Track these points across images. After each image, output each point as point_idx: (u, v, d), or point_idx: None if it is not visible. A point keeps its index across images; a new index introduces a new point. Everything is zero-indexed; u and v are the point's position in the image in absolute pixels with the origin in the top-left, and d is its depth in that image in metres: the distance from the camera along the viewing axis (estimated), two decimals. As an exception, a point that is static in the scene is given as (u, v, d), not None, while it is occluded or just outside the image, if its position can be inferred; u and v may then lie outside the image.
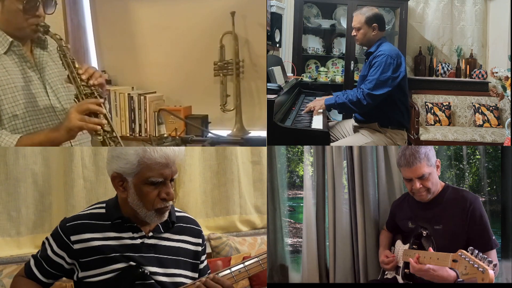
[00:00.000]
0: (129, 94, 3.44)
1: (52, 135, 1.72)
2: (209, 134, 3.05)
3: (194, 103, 3.43)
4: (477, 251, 1.55)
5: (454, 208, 1.87)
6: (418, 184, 1.87)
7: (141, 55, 3.55)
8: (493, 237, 1.83)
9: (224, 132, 3.27)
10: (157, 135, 2.17)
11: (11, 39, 1.82)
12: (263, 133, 2.54)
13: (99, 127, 1.69)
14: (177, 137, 2.77)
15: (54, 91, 1.90)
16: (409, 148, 1.89)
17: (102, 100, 1.74)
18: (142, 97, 3.41)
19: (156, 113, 3.34)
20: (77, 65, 1.78)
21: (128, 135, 3.46)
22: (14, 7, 1.77)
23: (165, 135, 2.50)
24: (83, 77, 1.75)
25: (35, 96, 1.84)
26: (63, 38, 1.82)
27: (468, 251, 1.56)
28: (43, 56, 1.92)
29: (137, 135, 3.46)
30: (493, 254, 1.83)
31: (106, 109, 1.76)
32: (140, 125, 3.44)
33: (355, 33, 2.94)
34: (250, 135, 3.30)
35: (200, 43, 3.38)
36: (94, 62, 3.66)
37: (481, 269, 1.48)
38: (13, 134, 1.75)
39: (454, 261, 1.59)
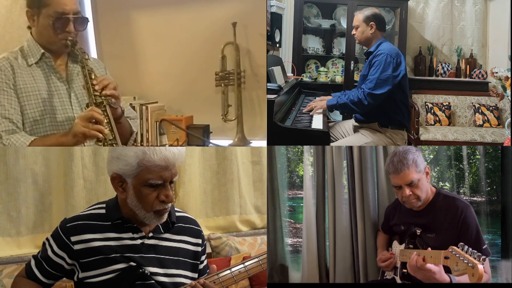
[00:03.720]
0: (130, 104, 3.42)
1: (61, 139, 1.84)
2: (211, 144, 3.06)
3: (196, 113, 3.42)
4: (467, 247, 1.55)
5: (446, 217, 1.86)
6: (407, 191, 1.85)
7: (143, 65, 3.55)
8: (485, 246, 1.81)
9: (225, 142, 3.27)
10: (158, 145, 2.18)
11: (42, 51, 1.95)
12: (265, 143, 2.54)
13: (100, 134, 1.74)
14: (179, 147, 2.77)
15: (79, 102, 2.01)
16: (397, 154, 1.86)
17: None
18: (143, 107, 3.39)
19: (157, 123, 3.32)
20: (93, 76, 1.86)
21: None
22: (46, 22, 1.90)
23: (167, 145, 2.50)
24: (96, 87, 1.82)
25: (59, 105, 1.97)
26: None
27: (458, 247, 1.56)
28: (75, 68, 2.04)
29: (139, 144, 3.45)
30: (485, 263, 1.77)
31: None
32: (141, 135, 3.43)
33: (354, 32, 2.96)
34: (251, 144, 3.30)
35: (201, 53, 3.37)
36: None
37: (471, 264, 1.49)
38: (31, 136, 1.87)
39: (446, 258, 1.59)
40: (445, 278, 1.66)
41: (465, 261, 1.50)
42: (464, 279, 1.61)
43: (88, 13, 3.57)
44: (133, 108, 3.41)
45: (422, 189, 1.87)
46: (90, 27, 3.60)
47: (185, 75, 3.45)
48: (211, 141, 3.18)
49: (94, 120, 1.74)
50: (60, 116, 1.96)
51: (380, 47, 2.81)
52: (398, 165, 1.84)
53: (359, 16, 2.92)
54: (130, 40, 3.54)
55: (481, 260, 1.49)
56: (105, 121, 1.78)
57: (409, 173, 1.83)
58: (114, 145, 1.78)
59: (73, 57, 2.04)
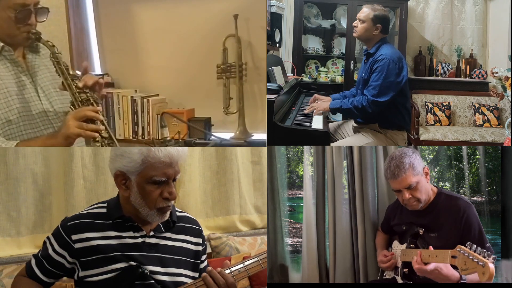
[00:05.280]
0: (132, 97, 3.44)
1: (49, 142, 1.73)
2: (212, 137, 3.06)
3: (197, 105, 3.43)
4: (475, 246, 1.54)
5: (448, 216, 1.86)
6: (407, 195, 1.85)
7: (144, 58, 3.55)
8: (488, 244, 1.81)
9: (227, 135, 3.26)
10: (160, 138, 2.16)
11: (1, 44, 1.81)
12: (266, 136, 2.55)
13: (97, 134, 1.70)
14: (180, 140, 2.78)
15: (46, 95, 1.89)
16: (393, 159, 1.87)
17: (99, 108, 1.74)
18: (145, 100, 3.40)
19: (159, 115, 3.32)
20: (71, 72, 1.77)
21: (131, 137, 3.46)
22: (5, 15, 1.76)
23: (168, 138, 2.50)
24: (79, 84, 1.75)
25: (28, 101, 1.84)
26: (62, 43, 1.82)
27: (466, 246, 1.56)
28: (35, 60, 1.91)
29: (140, 137, 3.45)
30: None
31: (103, 113, 1.76)
32: (143, 128, 3.44)
33: (356, 25, 2.84)
34: (253, 137, 3.30)
35: (203, 46, 3.37)
36: (97, 65, 3.67)
37: (481, 263, 1.47)
38: (8, 140, 1.75)
39: (453, 257, 1.58)
40: (453, 272, 1.65)
41: (475, 260, 1.49)
42: (472, 277, 1.61)
43: (89, 6, 3.58)
44: (134, 101, 3.43)
45: (422, 191, 1.87)
46: (91, 20, 3.61)
47: (186, 68, 3.46)
48: (212, 134, 3.18)
49: (86, 119, 1.67)
50: (33, 113, 1.83)
51: (381, 51, 2.74)
52: (395, 170, 1.85)
53: (369, 13, 2.78)
54: (131, 33, 3.54)
55: (490, 259, 1.48)
56: (101, 119, 1.71)
57: (407, 177, 1.84)
58: (111, 144, 1.73)
59: (30, 47, 1.90)
